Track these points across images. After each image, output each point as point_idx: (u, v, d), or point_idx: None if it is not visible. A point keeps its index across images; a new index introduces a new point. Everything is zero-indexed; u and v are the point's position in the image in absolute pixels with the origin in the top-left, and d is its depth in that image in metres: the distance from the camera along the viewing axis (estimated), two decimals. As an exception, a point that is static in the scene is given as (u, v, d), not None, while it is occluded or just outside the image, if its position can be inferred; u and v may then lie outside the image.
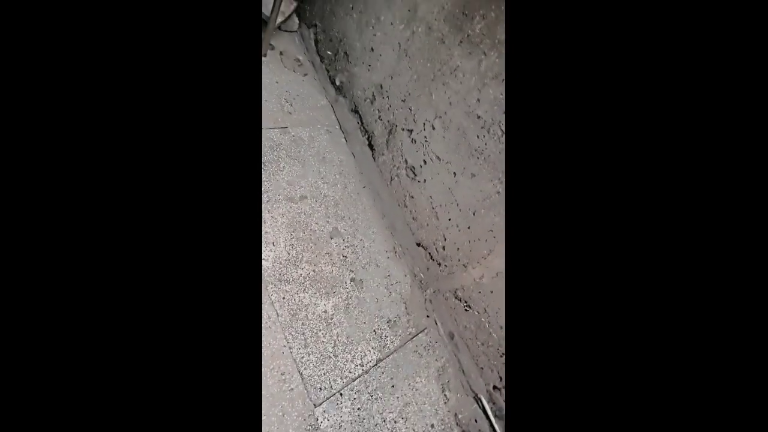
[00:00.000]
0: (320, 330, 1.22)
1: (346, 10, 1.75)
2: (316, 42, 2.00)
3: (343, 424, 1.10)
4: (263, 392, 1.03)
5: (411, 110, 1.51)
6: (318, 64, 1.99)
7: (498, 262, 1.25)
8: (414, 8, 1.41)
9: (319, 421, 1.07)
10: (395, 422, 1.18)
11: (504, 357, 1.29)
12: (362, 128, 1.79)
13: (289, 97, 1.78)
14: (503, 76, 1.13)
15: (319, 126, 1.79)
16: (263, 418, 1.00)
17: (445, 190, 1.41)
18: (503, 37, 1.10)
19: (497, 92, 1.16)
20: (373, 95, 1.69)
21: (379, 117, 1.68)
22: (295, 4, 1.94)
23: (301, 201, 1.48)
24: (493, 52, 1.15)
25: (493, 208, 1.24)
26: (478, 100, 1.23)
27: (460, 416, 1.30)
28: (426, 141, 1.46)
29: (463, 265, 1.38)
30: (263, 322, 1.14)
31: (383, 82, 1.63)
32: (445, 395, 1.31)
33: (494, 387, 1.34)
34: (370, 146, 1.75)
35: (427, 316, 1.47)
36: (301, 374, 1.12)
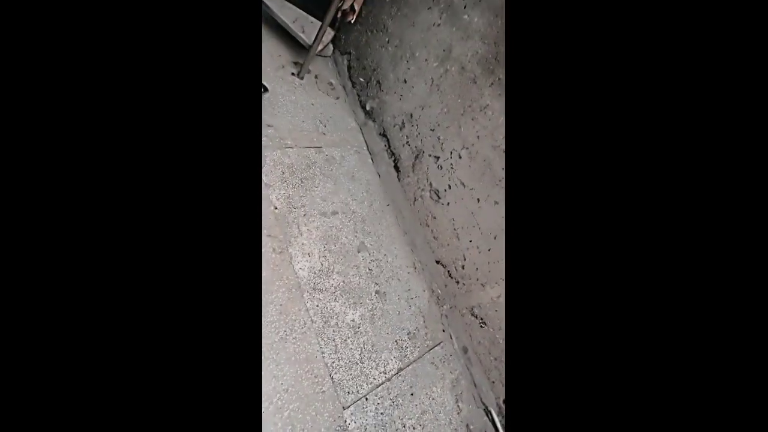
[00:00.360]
0: (349, 337, 1.32)
1: (382, 43, 1.91)
2: (349, 68, 2.16)
3: (368, 427, 1.18)
4: (299, 393, 1.12)
5: (439, 139, 1.65)
6: (349, 88, 2.15)
7: (515, 284, 1.36)
8: (449, 49, 1.57)
9: (347, 423, 1.15)
10: (414, 429, 1.26)
11: (515, 373, 1.39)
12: (389, 151, 1.92)
13: (323, 119, 1.92)
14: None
15: (349, 147, 1.93)
16: (299, 416, 1.08)
17: (468, 213, 1.53)
18: (533, 86, 1.24)
19: (524, 132, 1.30)
20: (403, 122, 1.83)
21: (407, 142, 1.82)
22: (333, 33, 2.11)
23: (332, 216, 1.59)
24: (522, 97, 1.29)
25: (513, 235, 1.36)
26: (505, 136, 1.37)
27: (471, 427, 1.38)
28: (452, 168, 1.59)
29: (482, 284, 1.49)
30: (300, 328, 1.23)
31: (413, 112, 1.78)
32: (458, 406, 1.40)
33: (504, 401, 1.43)
34: (396, 168, 1.88)
35: (443, 331, 1.56)
36: (332, 378, 1.20)
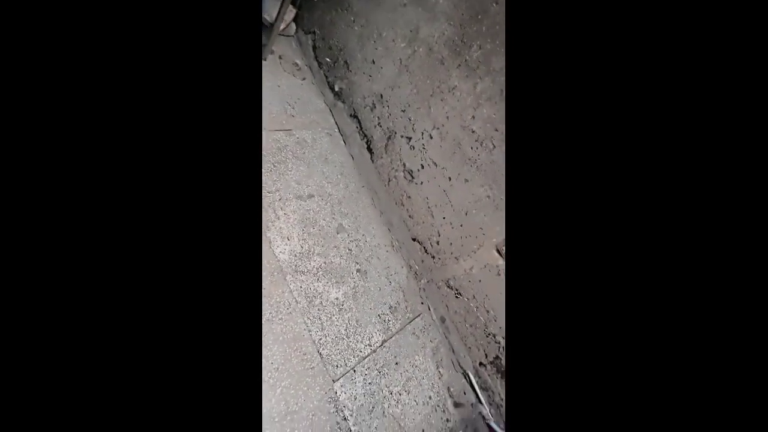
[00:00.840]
0: (333, 315, 1.35)
1: (348, 23, 1.88)
2: (314, 48, 2.11)
3: (357, 396, 1.24)
4: (290, 370, 1.15)
5: (410, 120, 1.69)
6: (316, 69, 2.10)
7: (486, 255, 1.47)
8: (416, 30, 1.59)
9: (337, 394, 1.21)
10: (400, 394, 1.34)
11: (489, 337, 1.51)
12: (361, 132, 1.93)
13: (291, 100, 1.88)
14: (497, 100, 1.34)
15: (320, 129, 1.91)
16: (292, 392, 1.12)
17: (441, 192, 1.60)
18: (498, 66, 1.31)
19: (491, 112, 1.37)
20: (373, 103, 1.84)
21: (379, 123, 1.83)
22: (294, 11, 2.03)
23: (309, 199, 1.59)
24: (488, 77, 1.36)
25: (484, 210, 1.46)
26: (473, 117, 1.44)
27: (452, 389, 1.50)
28: (424, 148, 1.64)
29: (455, 258, 1.58)
30: (285, 309, 1.25)
31: (383, 92, 1.79)
32: (439, 371, 1.51)
33: (480, 363, 1.56)
34: (369, 149, 1.90)
35: (422, 303, 1.65)
36: (320, 354, 1.24)
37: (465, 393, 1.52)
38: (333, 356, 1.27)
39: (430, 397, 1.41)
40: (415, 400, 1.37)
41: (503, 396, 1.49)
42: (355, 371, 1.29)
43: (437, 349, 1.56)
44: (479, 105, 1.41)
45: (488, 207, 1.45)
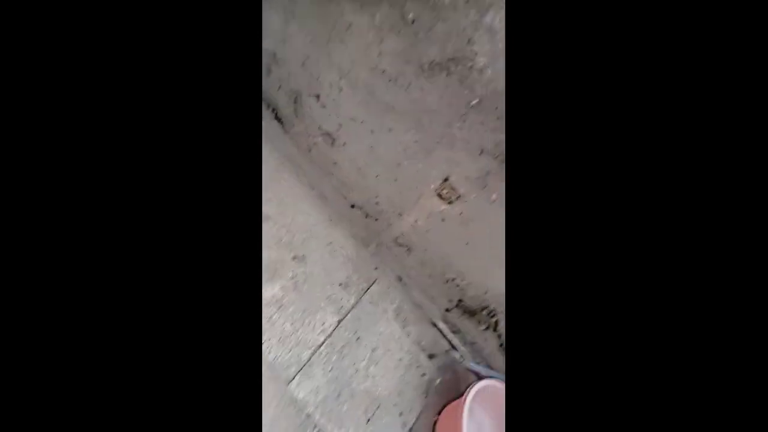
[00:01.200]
0: (273, 314, 1.23)
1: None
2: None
3: (319, 387, 1.16)
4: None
5: (313, 74, 1.47)
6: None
7: (428, 203, 1.37)
8: (290, -39, 1.32)
9: (295, 395, 1.12)
10: (368, 368, 1.29)
11: (448, 282, 1.47)
12: (264, 101, 1.68)
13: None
14: (399, 28, 1.16)
15: (216, 106, 1.63)
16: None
17: (367, 149, 1.45)
18: (388, -13, 1.11)
19: (396, 44, 1.20)
20: (268, 65, 1.58)
21: (280, 86, 1.59)
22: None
23: (219, 190, 1.38)
24: (385, 3, 1.16)
25: (415, 157, 1.33)
26: (380, 53, 1.26)
27: (422, 343, 1.47)
28: (336, 103, 1.45)
29: (398, 214, 1.48)
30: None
31: (275, 49, 1.53)
32: (406, 331, 1.46)
33: (446, 309, 1.53)
34: (278, 119, 1.67)
35: (375, 269, 1.56)
36: (266, 361, 1.13)
37: (437, 342, 1.51)
38: (282, 358, 1.16)
39: (400, 359, 1.38)
40: (386, 367, 1.32)
41: (474, 334, 1.50)
42: (310, 364, 1.19)
43: (400, 309, 1.51)
44: (382, 39, 1.23)
45: (419, 153, 1.33)
